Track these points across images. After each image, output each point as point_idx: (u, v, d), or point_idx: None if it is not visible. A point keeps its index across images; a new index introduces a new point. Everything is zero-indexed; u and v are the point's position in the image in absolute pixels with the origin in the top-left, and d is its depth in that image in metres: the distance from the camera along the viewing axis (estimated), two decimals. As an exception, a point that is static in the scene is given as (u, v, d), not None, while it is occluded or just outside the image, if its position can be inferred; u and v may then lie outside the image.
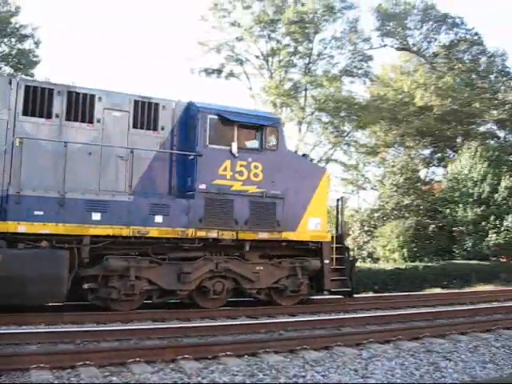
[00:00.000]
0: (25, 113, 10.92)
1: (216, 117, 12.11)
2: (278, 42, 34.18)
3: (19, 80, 11.14)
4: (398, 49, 38.53)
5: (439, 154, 40.73)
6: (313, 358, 7.60)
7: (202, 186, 11.79)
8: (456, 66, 37.29)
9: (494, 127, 40.84)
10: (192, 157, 11.93)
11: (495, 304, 14.37)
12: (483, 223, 28.36)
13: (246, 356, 7.58)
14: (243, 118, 12.47)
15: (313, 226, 13.05)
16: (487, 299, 15.48)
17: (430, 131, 35.91)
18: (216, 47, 33.73)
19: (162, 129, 12.21)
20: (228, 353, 7.50)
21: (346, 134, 36.24)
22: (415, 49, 38.55)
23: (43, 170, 10.82)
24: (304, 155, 14.56)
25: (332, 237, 13.59)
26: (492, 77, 39.42)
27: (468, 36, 38.38)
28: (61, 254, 10.46)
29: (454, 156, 36.84)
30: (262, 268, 12.74)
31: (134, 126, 11.93)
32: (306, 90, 34.24)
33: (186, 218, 11.65)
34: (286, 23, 32.62)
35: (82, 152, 11.22)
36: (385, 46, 37.51)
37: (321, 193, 13.30)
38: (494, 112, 38.44)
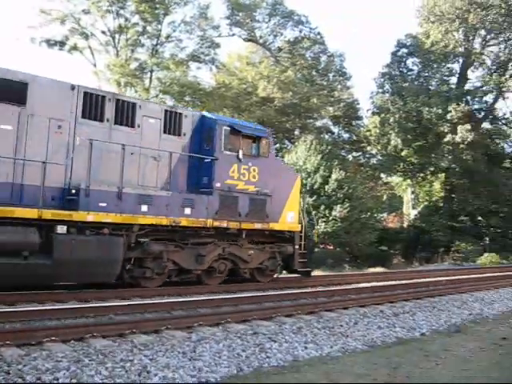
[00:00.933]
0: (83, 116, 12.34)
1: (229, 128, 14.40)
2: (126, 19, 33.25)
3: (79, 86, 12.37)
4: (245, 39, 39.33)
5: (278, 145, 42.34)
6: (142, 342, 7.53)
7: (218, 185, 14.06)
8: (298, 62, 38.92)
9: (329, 123, 43.35)
10: (209, 160, 14.04)
11: (319, 288, 15.23)
12: (314, 212, 29.93)
13: (72, 341, 7.32)
14: (246, 130, 14.94)
15: (289, 219, 15.85)
16: (313, 284, 16.36)
17: (271, 122, 37.16)
18: (60, 18, 31.94)
19: (184, 135, 14.26)
20: (53, 338, 7.19)
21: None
22: (261, 41, 39.61)
23: (106, 167, 12.50)
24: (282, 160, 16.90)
25: (301, 227, 16.21)
26: (330, 75, 41.76)
27: (311, 35, 40.23)
28: (118, 240, 12.27)
29: (291, 147, 38.46)
30: (252, 252, 15.25)
31: (165, 132, 13.87)
32: (151, 71, 33.74)
33: (206, 211, 13.79)
34: (135, 1, 31.79)
35: (129, 153, 12.87)
36: (233, 35, 38.11)
37: (295, 191, 16.17)
38: (330, 109, 40.75)
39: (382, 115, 38.37)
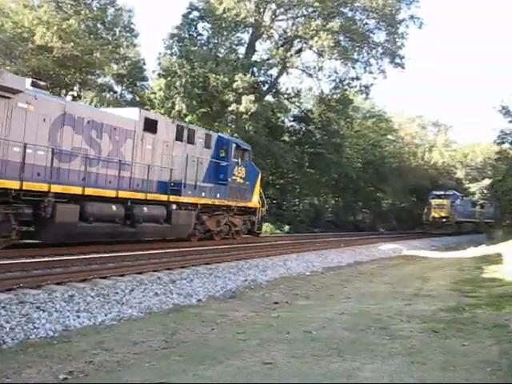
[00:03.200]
0: (175, 139, 19.58)
1: (235, 145, 22.97)
2: None
3: (175, 121, 20.58)
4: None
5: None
6: None
7: (229, 179, 22.25)
8: (83, 11, 37.02)
9: (112, 81, 42.22)
10: (225, 164, 22.08)
11: (91, 255, 14.80)
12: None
13: None
14: (242, 145, 23.62)
15: (255, 200, 24.68)
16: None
17: (48, 74, 35.01)
18: None
19: (211, 148, 21.84)
20: None
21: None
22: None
23: (191, 170, 19.77)
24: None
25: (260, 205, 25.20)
26: (117, 30, 40.46)
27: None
28: (193, 213, 19.78)
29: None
30: (237, 220, 23.40)
31: (204, 147, 21.34)
32: None
33: (224, 195, 21.79)
34: None
35: (197, 161, 20.49)
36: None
37: (258, 183, 25.19)
38: (114, 66, 39.68)
39: (169, 78, 38.34)
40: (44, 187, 13.81)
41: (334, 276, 16.44)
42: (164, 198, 18.32)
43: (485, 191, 65.86)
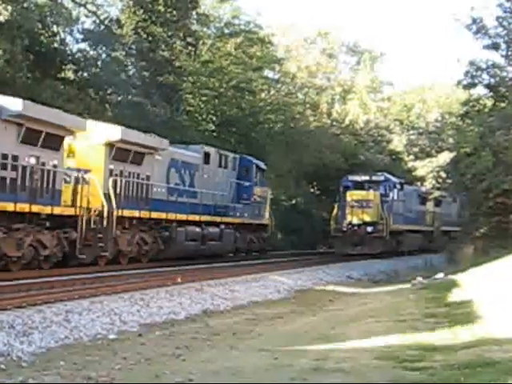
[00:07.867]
0: (218, 166, 24.13)
1: (255, 166, 26.56)
2: None
3: (218, 150, 24.43)
4: None
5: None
6: None
7: (252, 199, 26.09)
8: None
9: None
10: (248, 184, 25.74)
11: None
12: None
13: None
14: (261, 166, 27.25)
15: (267, 216, 28.30)
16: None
17: None
18: None
19: (236, 169, 25.87)
20: None
21: None
22: None
23: (231, 193, 25.19)
24: None
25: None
26: None
27: None
28: (233, 231, 24.66)
29: None
30: (253, 237, 27.00)
31: (232, 169, 25.26)
32: None
33: (249, 215, 26.44)
34: None
35: (232, 184, 25.98)
36: None
37: (269, 199, 28.41)
38: None
39: None
40: (172, 216, 20.18)
41: (164, 339, 10.39)
42: (218, 219, 23.22)
43: (443, 175, 43.50)
